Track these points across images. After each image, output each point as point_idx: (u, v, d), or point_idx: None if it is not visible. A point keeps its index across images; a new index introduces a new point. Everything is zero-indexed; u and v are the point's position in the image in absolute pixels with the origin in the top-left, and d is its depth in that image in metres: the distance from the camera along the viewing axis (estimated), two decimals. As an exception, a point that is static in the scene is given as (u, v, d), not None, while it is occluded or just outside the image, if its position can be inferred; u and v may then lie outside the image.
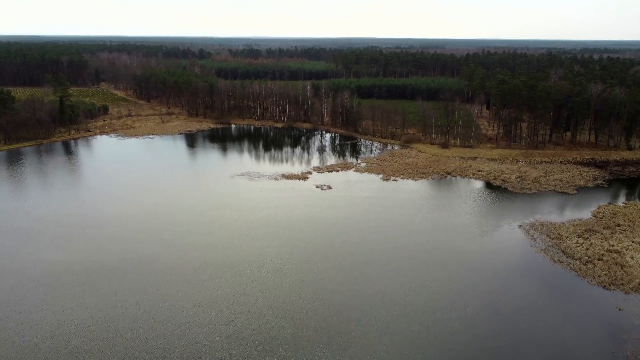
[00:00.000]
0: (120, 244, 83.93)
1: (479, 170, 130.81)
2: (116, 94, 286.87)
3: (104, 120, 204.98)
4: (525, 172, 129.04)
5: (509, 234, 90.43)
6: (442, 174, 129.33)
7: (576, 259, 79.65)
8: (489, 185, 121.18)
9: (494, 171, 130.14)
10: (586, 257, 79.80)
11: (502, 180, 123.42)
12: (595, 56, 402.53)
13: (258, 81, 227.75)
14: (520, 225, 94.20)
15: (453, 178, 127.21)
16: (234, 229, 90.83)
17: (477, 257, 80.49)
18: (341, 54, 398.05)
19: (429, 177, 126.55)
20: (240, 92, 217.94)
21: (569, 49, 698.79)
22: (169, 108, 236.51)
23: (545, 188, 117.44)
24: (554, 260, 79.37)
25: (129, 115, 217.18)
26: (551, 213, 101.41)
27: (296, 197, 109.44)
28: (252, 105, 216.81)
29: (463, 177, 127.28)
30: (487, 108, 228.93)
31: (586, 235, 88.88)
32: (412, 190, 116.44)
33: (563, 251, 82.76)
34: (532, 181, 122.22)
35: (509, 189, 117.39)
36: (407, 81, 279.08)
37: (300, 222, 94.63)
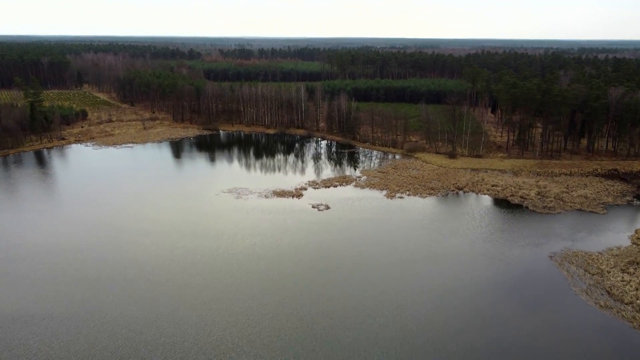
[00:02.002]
0: (69, 287, 69.07)
1: (493, 185, 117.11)
2: (99, 97, 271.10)
3: (82, 127, 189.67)
4: (544, 187, 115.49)
5: (539, 268, 76.65)
6: (453, 190, 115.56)
7: (627, 304, 66.04)
8: (506, 203, 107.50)
9: (510, 186, 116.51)
10: (638, 302, 66.19)
11: (521, 197, 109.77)
12: (600, 56, 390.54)
13: (248, 84, 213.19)
14: (551, 256, 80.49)
15: (465, 194, 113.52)
16: (211, 264, 76.36)
17: (506, 303, 66.63)
18: (336, 54, 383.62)
19: (438, 194, 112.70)
20: (229, 96, 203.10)
21: (566, 48, 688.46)
22: (153, 113, 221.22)
23: (571, 207, 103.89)
24: (600, 306, 65.66)
25: (110, 120, 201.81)
26: (583, 239, 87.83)
27: (288, 220, 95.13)
28: (242, 110, 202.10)
29: (476, 194, 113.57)
30: (492, 112, 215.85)
31: (631, 270, 75.29)
32: (420, 210, 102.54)
33: (608, 292, 69.09)
34: (555, 198, 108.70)
35: (530, 208, 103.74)
36: (406, 83, 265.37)
37: (291, 254, 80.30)
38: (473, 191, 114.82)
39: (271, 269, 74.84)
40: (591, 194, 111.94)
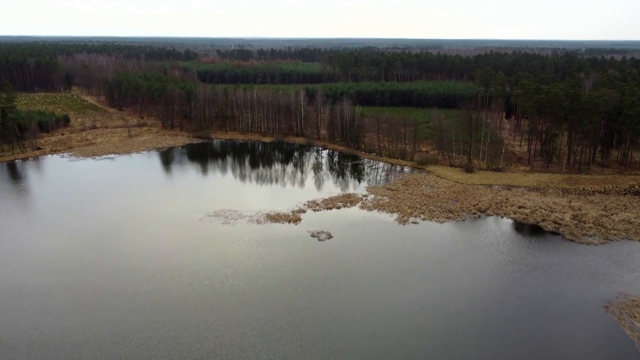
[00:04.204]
0: None
1: (520, 207, 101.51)
2: (86, 101, 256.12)
3: (62, 134, 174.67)
4: (580, 210, 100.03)
5: (594, 324, 61.25)
6: (474, 212, 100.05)
7: None
8: (537, 230, 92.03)
9: (540, 207, 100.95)
10: None
11: (554, 222, 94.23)
12: (617, 57, 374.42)
13: (243, 87, 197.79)
14: (606, 307, 65.05)
15: (488, 218, 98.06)
16: (179, 315, 60.95)
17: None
18: (338, 55, 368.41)
19: (458, 218, 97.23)
20: (223, 100, 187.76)
21: (573, 49, 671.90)
22: (142, 118, 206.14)
23: (615, 235, 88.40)
24: (687, 386, 50.27)
25: (94, 127, 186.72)
26: (639, 280, 72.51)
27: (281, 254, 79.79)
28: (236, 116, 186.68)
29: (501, 217, 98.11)
30: (507, 117, 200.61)
31: None
32: (438, 240, 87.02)
33: (691, 363, 53.69)
34: (594, 224, 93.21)
35: (568, 236, 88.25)
36: (413, 86, 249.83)
37: (280, 302, 64.83)
38: (497, 214, 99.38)
39: (253, 327, 59.44)
40: (635, 218, 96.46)
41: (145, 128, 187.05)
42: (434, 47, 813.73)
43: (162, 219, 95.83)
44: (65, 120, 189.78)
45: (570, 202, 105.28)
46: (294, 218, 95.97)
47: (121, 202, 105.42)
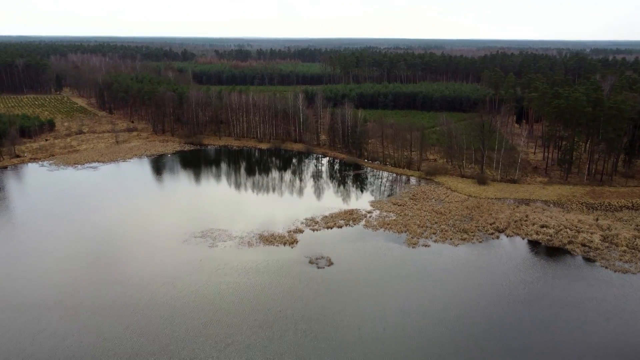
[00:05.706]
0: None
1: (542, 226, 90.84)
2: (76, 103, 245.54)
3: (46, 140, 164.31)
4: (609, 229, 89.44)
5: (650, 383, 50.72)
6: (491, 232, 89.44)
7: None
8: (564, 254, 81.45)
9: (564, 227, 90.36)
10: None
11: (582, 244, 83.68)
12: (629, 57, 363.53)
13: (238, 89, 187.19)
14: (660, 359, 54.53)
15: (508, 239, 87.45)
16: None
17: None
18: (339, 56, 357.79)
19: (474, 239, 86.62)
20: (217, 104, 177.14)
21: (578, 49, 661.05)
22: (132, 122, 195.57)
23: (654, 261, 77.83)
24: None
25: (80, 132, 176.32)
26: (692, 321, 61.88)
27: (274, 285, 69.30)
28: (231, 120, 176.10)
29: (522, 238, 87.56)
30: (517, 122, 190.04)
31: None
32: (452, 266, 76.48)
33: None
34: (628, 247, 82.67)
35: (600, 263, 77.67)
36: (417, 88, 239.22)
37: (265, 354, 54.29)
38: (518, 234, 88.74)
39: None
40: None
41: (135, 133, 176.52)
42: (436, 47, 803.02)
43: (141, 241, 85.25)
44: (50, 125, 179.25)
45: (597, 219, 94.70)
46: (289, 240, 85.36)
47: (97, 219, 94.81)
